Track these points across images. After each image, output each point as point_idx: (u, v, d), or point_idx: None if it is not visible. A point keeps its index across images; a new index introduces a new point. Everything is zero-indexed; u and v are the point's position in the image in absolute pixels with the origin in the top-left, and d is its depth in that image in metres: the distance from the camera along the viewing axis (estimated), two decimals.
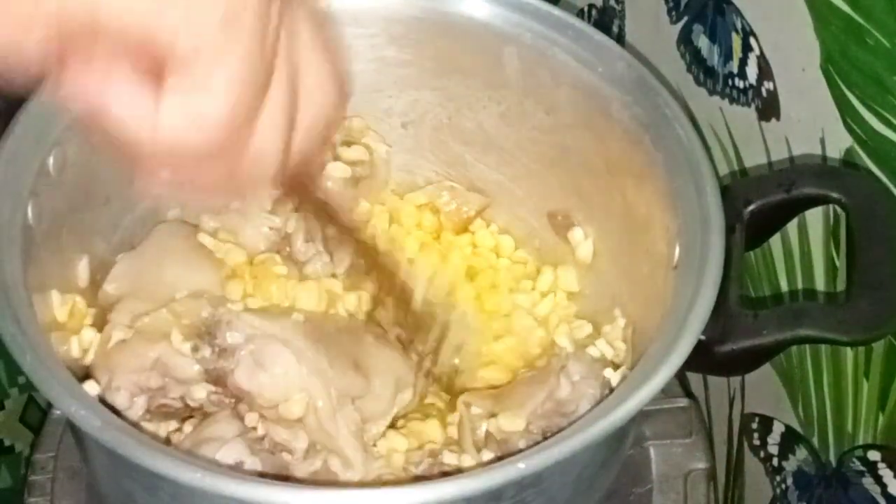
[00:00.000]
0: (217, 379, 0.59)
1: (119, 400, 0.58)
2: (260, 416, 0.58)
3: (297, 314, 0.61)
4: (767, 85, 0.70)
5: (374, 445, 0.60)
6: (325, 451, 0.57)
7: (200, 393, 0.59)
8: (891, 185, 0.61)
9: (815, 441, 0.74)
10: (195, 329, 0.60)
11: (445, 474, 0.59)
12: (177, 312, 0.61)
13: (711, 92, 0.77)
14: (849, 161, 0.64)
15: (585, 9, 0.95)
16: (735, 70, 0.73)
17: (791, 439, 0.77)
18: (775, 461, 0.80)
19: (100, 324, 0.62)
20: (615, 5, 0.89)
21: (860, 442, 0.69)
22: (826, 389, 0.71)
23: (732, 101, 0.74)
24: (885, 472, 0.68)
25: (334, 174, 0.70)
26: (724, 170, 0.77)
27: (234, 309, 0.60)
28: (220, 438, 0.56)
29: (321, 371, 0.58)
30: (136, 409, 0.58)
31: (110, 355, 0.60)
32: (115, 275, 0.64)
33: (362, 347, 0.62)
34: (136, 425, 0.57)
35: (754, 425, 0.81)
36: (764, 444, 0.81)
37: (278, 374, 0.58)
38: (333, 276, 0.67)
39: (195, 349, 0.59)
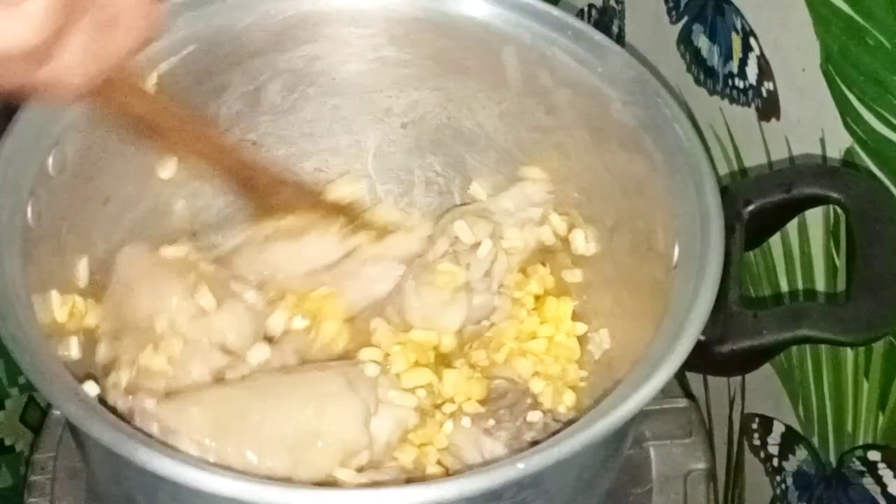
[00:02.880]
0: None
1: None
2: None
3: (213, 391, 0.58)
4: (767, 85, 0.70)
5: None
6: None
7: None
8: (891, 185, 0.61)
9: (815, 441, 0.74)
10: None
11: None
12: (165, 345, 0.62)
13: (711, 92, 0.77)
14: (849, 161, 0.64)
15: (585, 9, 0.95)
16: (735, 70, 0.73)
17: (791, 439, 0.77)
18: (775, 461, 0.80)
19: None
20: (615, 5, 0.89)
21: (860, 442, 0.69)
22: (826, 389, 0.71)
23: (732, 101, 0.74)
24: (885, 472, 0.68)
25: None
26: (724, 170, 0.77)
27: (146, 403, 0.57)
28: None
29: (223, 460, 0.55)
30: None
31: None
32: (99, 314, 0.64)
33: (302, 414, 0.58)
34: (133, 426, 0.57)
35: (754, 425, 0.81)
36: (764, 444, 0.81)
37: None
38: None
39: None
